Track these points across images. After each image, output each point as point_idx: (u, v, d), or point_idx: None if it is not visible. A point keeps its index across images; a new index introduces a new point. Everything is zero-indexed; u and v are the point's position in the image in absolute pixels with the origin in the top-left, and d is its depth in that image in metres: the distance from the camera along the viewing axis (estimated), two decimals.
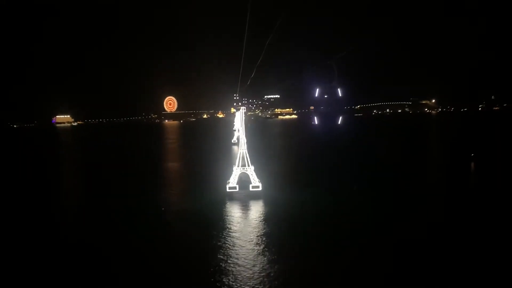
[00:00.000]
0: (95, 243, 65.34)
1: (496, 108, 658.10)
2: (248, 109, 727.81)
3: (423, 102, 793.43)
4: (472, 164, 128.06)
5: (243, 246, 62.19)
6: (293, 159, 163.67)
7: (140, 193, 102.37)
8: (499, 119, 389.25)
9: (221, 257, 58.26)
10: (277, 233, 67.86)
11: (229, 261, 56.86)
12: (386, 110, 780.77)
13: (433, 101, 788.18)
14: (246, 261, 56.69)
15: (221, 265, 55.49)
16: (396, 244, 61.04)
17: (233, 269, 54.27)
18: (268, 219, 76.30)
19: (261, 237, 66.17)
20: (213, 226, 72.17)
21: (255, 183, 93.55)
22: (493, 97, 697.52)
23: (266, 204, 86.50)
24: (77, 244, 65.53)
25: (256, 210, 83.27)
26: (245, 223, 74.73)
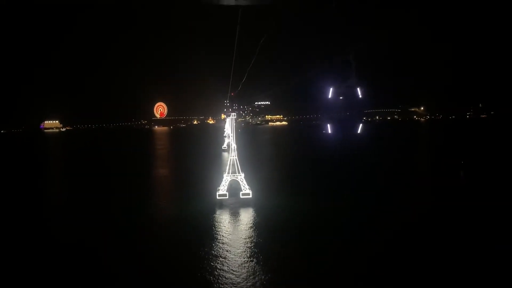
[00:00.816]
0: (75, 255, 63.04)
1: (484, 115, 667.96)
2: (239, 116, 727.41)
3: (412, 109, 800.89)
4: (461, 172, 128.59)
5: (232, 256, 60.70)
6: (285, 166, 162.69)
7: (126, 200, 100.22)
8: (487, 126, 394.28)
9: (209, 267, 56.68)
10: (268, 242, 66.53)
11: (216, 272, 55.36)
12: (375, 117, 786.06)
13: (422, 108, 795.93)
14: (234, 271, 55.28)
15: (208, 276, 53.98)
16: (387, 250, 60.26)
17: (220, 280, 52.80)
18: (258, 227, 74.87)
19: (250, 246, 64.73)
20: (202, 235, 70.57)
21: (246, 190, 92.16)
22: (480, 105, 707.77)
23: (256, 211, 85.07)
24: (57, 255, 63.37)
25: (247, 218, 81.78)
26: (235, 232, 73.18)
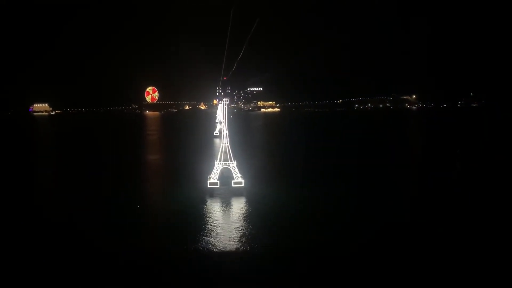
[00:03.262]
0: (60, 245, 60.11)
1: (475, 104, 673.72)
2: (231, 101, 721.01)
3: (404, 97, 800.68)
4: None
5: (223, 248, 58.28)
6: (277, 153, 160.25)
7: (114, 189, 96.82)
8: (477, 115, 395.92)
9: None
10: (260, 233, 64.17)
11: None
12: (367, 104, 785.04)
13: (414, 97, 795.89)
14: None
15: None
16: (380, 243, 58.45)
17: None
18: (251, 217, 72.33)
19: (243, 238, 62.28)
20: (192, 226, 67.89)
21: (238, 178, 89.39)
22: (471, 94, 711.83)
23: (248, 201, 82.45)
24: (45, 247, 60.44)
25: (238, 207, 79.08)
26: (226, 222, 70.58)
